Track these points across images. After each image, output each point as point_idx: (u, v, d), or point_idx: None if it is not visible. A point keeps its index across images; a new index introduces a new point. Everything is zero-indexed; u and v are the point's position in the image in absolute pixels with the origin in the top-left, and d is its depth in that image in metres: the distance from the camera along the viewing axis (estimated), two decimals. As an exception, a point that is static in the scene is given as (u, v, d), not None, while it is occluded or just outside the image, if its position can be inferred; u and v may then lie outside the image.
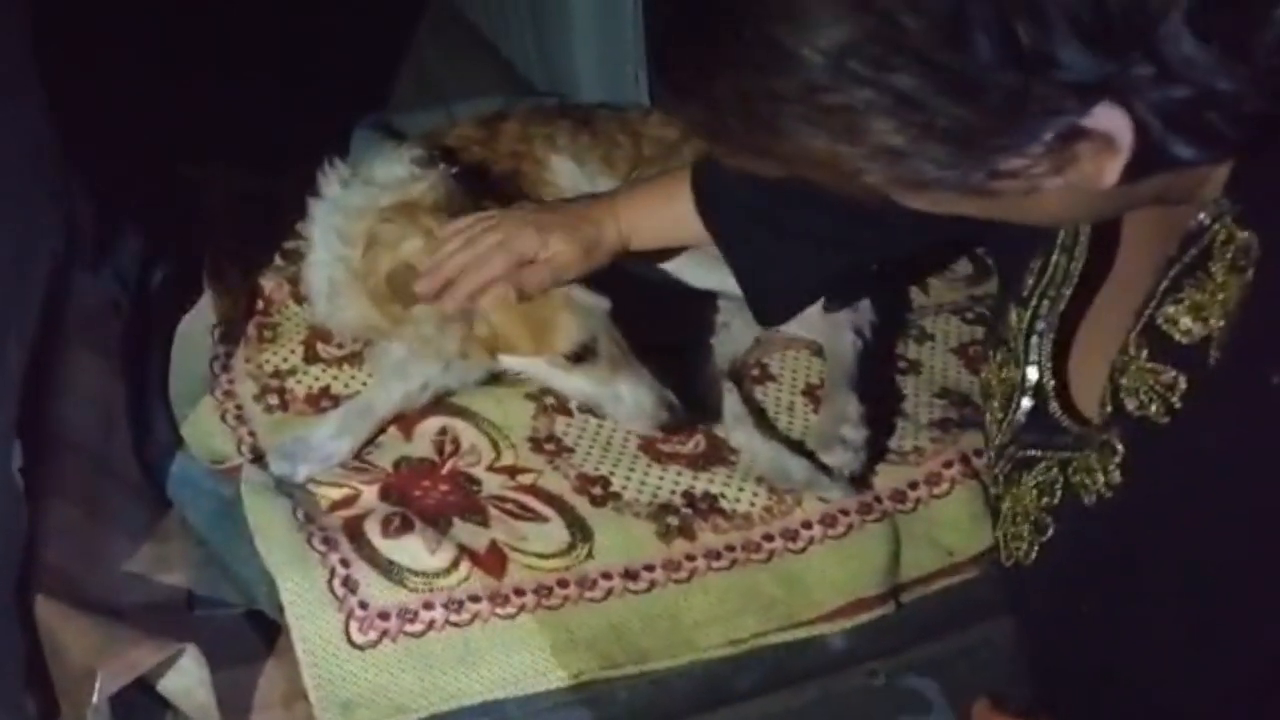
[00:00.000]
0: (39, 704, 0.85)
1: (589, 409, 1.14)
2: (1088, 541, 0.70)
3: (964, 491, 1.09)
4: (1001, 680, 1.04)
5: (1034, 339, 0.77)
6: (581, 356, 1.07)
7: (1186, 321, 0.60)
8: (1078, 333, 0.75)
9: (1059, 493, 0.71)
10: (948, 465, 1.10)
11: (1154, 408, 0.62)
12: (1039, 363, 0.76)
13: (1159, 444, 0.62)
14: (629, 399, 1.07)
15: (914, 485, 1.10)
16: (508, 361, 1.11)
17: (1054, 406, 0.74)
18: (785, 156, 0.55)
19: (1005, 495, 0.79)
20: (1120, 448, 0.65)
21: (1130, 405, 0.63)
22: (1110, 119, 0.50)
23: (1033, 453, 0.75)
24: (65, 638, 0.83)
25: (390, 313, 1.09)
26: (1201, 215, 0.61)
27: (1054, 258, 0.76)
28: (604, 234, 1.08)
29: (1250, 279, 0.56)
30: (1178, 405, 0.60)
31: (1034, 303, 0.77)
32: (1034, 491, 0.74)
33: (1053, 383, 0.75)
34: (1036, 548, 0.73)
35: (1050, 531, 0.72)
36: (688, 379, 1.21)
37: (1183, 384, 0.60)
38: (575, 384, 1.09)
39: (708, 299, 1.29)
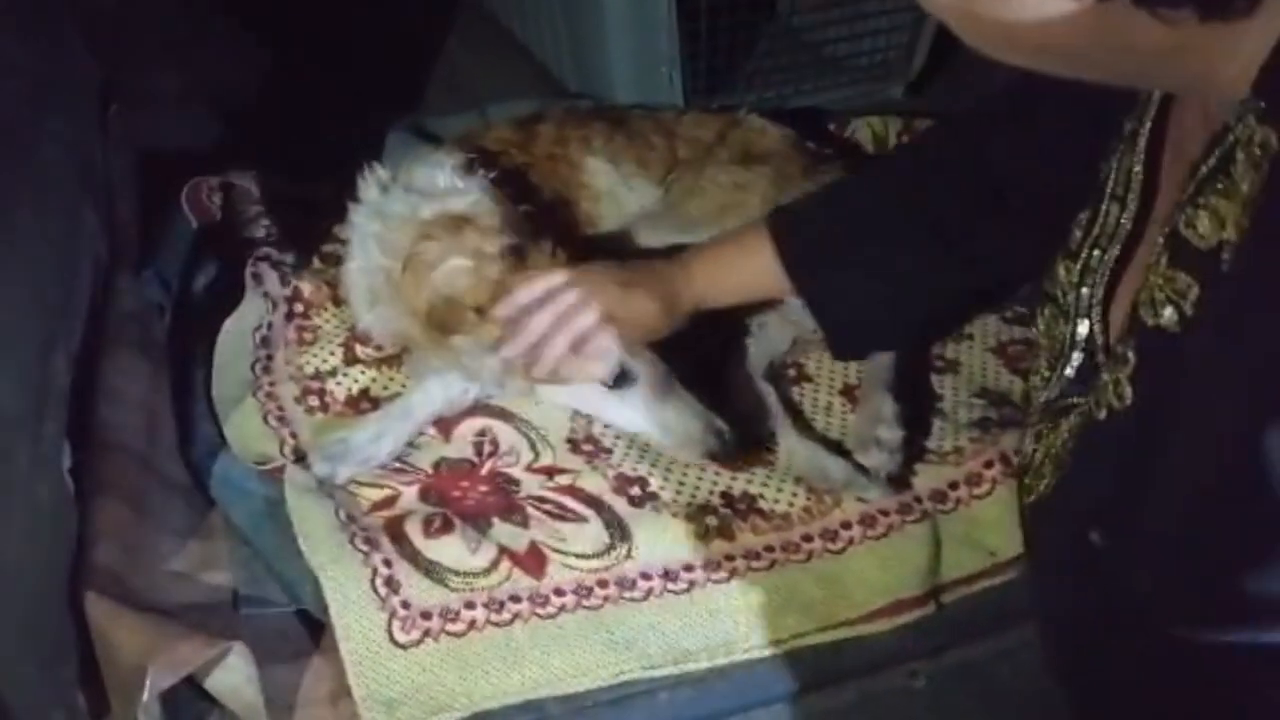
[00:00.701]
0: (90, 701, 0.87)
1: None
2: (1098, 461, 0.68)
3: (1005, 492, 1.07)
4: (1040, 681, 1.04)
5: (1084, 291, 0.76)
6: (620, 383, 1.08)
7: (1204, 225, 0.58)
8: (1121, 281, 0.75)
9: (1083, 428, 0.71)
10: (988, 465, 1.09)
11: (1167, 315, 0.60)
12: (1089, 315, 0.76)
13: (1169, 352, 0.60)
14: (677, 428, 1.08)
15: (954, 485, 1.09)
16: (548, 393, 1.13)
17: (1102, 357, 0.74)
18: None
19: (1039, 446, 0.78)
20: (1132, 358, 0.63)
21: (1146, 315, 0.62)
22: None
23: (1073, 400, 0.75)
24: (116, 635, 0.84)
25: (431, 336, 1.10)
26: (1228, 118, 0.59)
27: (1104, 207, 0.76)
28: (681, 292, 1.08)
29: (1266, 174, 0.54)
30: (1189, 312, 0.59)
31: (1084, 255, 0.76)
32: (1065, 434, 0.74)
33: (1102, 337, 0.75)
34: (1055, 483, 0.73)
35: (1069, 467, 0.72)
36: (725, 382, 1.21)
37: (1195, 291, 0.58)
38: (623, 415, 1.11)
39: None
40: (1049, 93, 0.73)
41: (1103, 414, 0.65)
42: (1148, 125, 0.72)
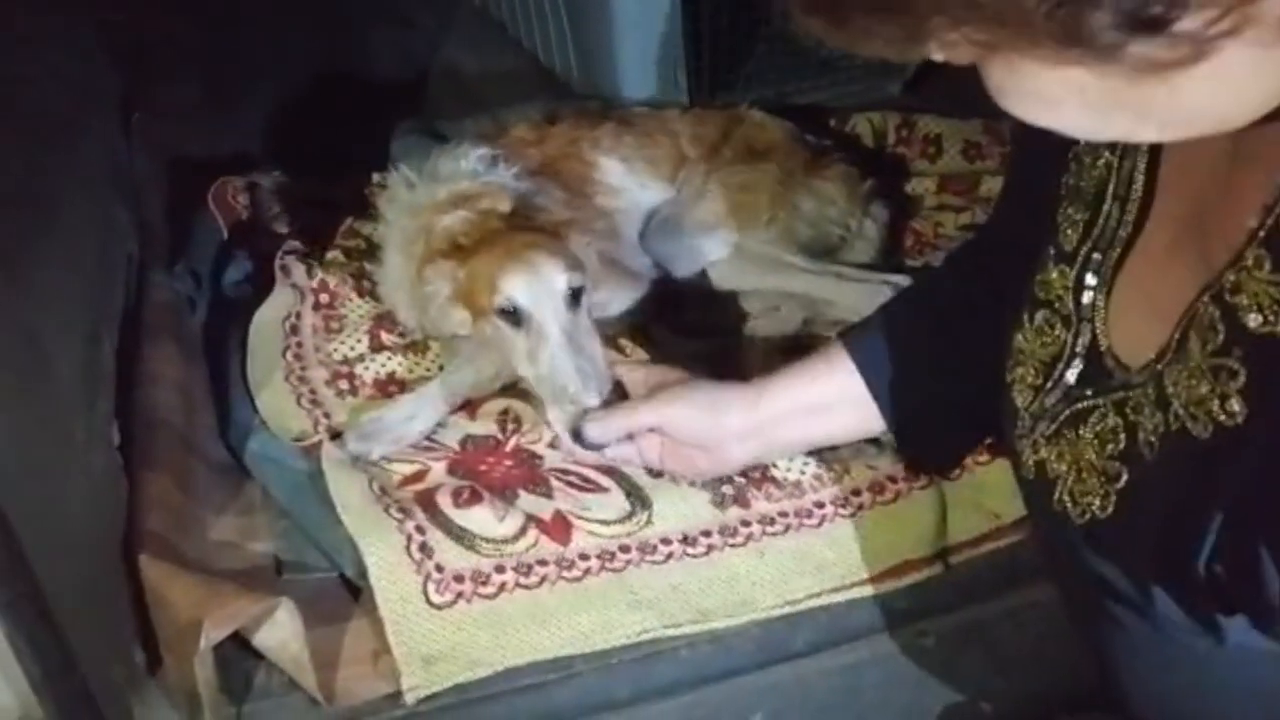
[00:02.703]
0: (147, 656, 0.92)
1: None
2: (1192, 479, 0.64)
3: (1005, 459, 1.12)
4: (1045, 639, 1.08)
5: (1085, 294, 0.74)
6: None
7: None
8: (1116, 281, 0.73)
9: (1123, 438, 0.68)
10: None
11: None
12: (1092, 319, 0.73)
13: None
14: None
15: (959, 454, 1.14)
16: None
17: (1108, 360, 0.72)
18: (924, 13, 0.47)
19: (1053, 456, 0.75)
20: (1242, 371, 0.60)
21: (1254, 322, 0.58)
22: None
23: (1085, 404, 0.72)
24: (171, 593, 0.89)
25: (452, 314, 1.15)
26: None
27: (1105, 209, 0.73)
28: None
29: None
30: None
31: (1081, 259, 0.74)
32: (1095, 442, 0.71)
33: (1106, 341, 0.72)
34: (1114, 497, 0.68)
35: (1124, 479, 0.68)
36: (737, 361, 1.27)
37: None
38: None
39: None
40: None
41: (1206, 432, 0.61)
42: None
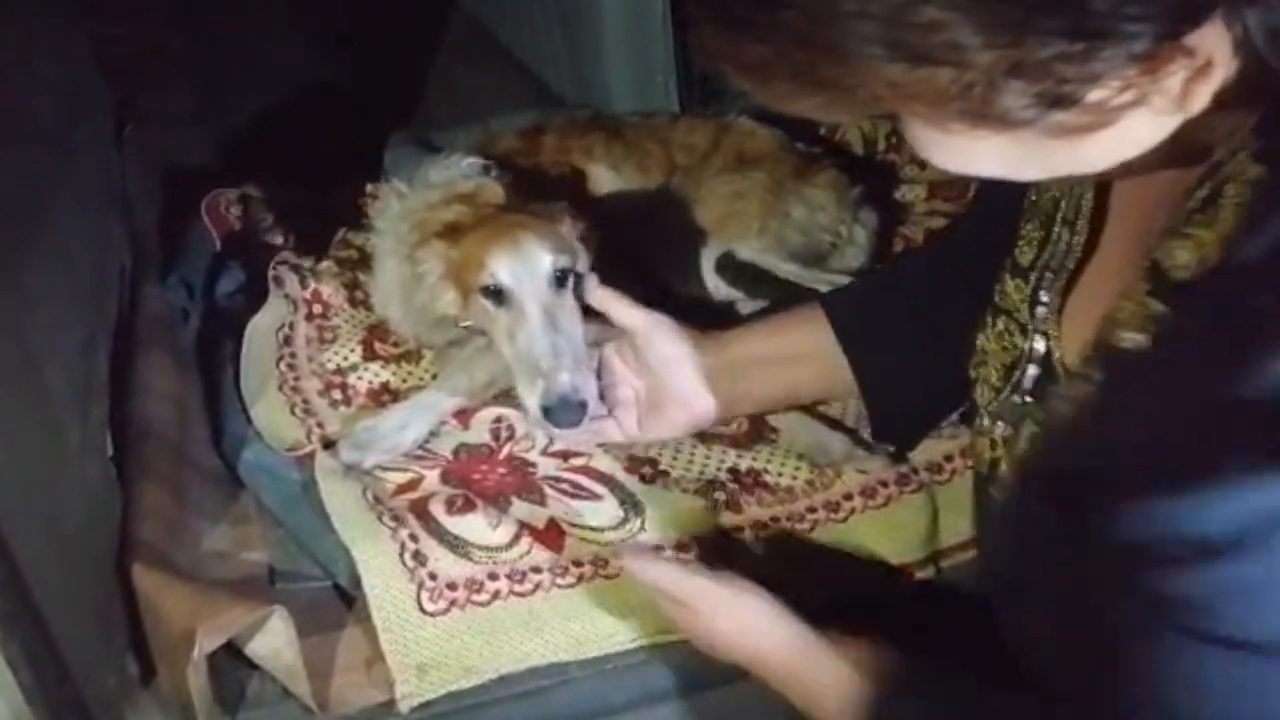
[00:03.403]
0: (140, 666, 0.92)
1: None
2: (1050, 466, 0.71)
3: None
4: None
5: (1039, 309, 0.78)
6: None
7: (1183, 255, 0.60)
8: (1069, 297, 0.77)
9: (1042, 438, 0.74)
10: (980, 439, 1.15)
11: (1141, 339, 0.62)
12: (1045, 332, 0.77)
13: (1137, 369, 0.63)
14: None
15: (949, 458, 1.14)
16: None
17: (1058, 369, 0.76)
18: (849, 87, 0.51)
19: (1002, 454, 0.80)
20: (1099, 376, 0.65)
21: (1120, 338, 0.64)
22: (1213, 35, 0.48)
23: (1031, 408, 0.77)
24: (164, 603, 0.89)
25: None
26: (1219, 154, 0.60)
27: (1056, 231, 0.77)
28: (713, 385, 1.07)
29: (1248, 206, 0.57)
30: (1158, 332, 0.61)
31: (1035, 275, 0.78)
32: (1028, 443, 0.76)
33: (1058, 351, 0.76)
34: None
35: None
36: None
37: (1169, 318, 0.61)
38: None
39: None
40: None
41: (1059, 425, 0.69)
42: None
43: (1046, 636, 0.69)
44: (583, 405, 1.04)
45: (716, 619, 0.88)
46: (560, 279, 1.09)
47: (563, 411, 1.03)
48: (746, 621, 0.87)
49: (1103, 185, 0.75)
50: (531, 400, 1.05)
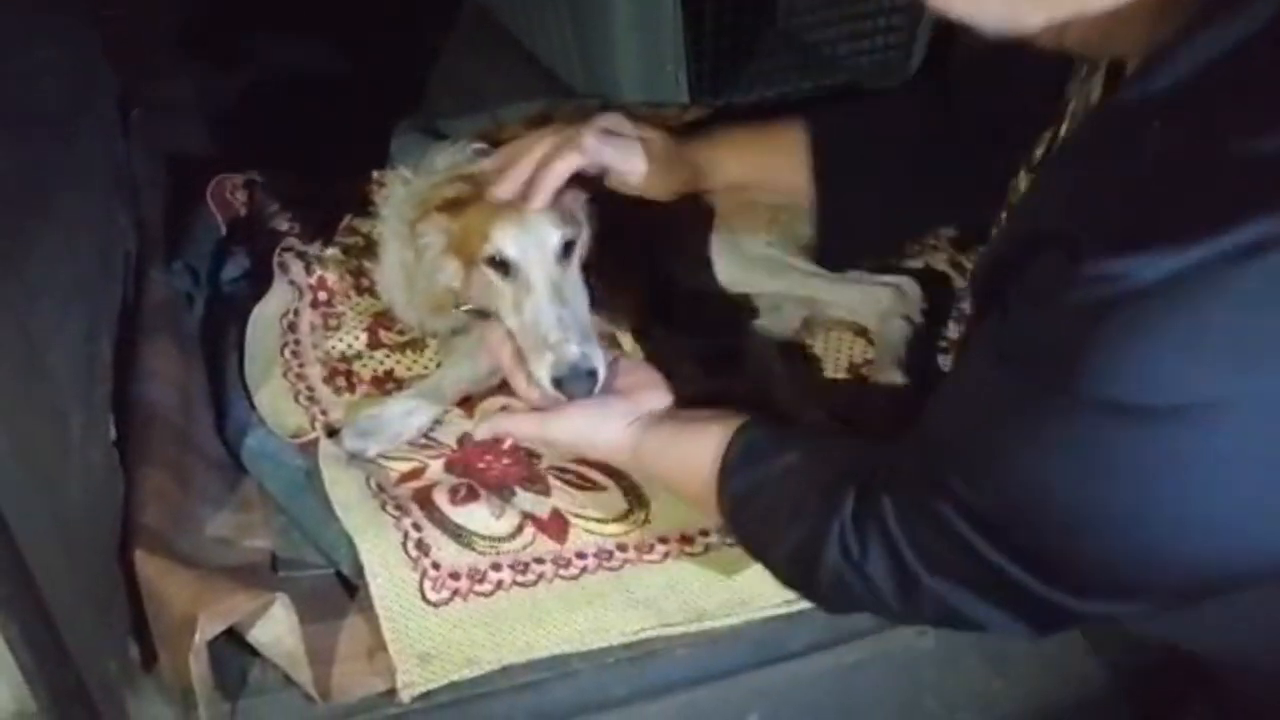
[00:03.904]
0: (141, 652, 0.91)
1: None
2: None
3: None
4: (1047, 643, 1.08)
5: None
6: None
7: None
8: None
9: None
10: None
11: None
12: None
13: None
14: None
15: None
16: None
17: None
18: None
19: None
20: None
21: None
22: None
23: None
24: (166, 588, 0.88)
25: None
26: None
27: (1064, 129, 0.81)
28: (694, 150, 1.13)
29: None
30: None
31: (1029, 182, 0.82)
32: None
33: None
34: None
35: None
36: (736, 361, 1.27)
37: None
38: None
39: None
40: None
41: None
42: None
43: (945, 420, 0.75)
44: (592, 374, 1.02)
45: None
46: (565, 251, 1.07)
47: (574, 381, 1.01)
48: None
49: (1111, 79, 0.77)
50: (542, 372, 1.03)
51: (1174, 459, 0.59)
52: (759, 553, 0.92)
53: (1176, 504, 0.60)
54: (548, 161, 1.02)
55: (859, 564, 0.76)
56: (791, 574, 0.87)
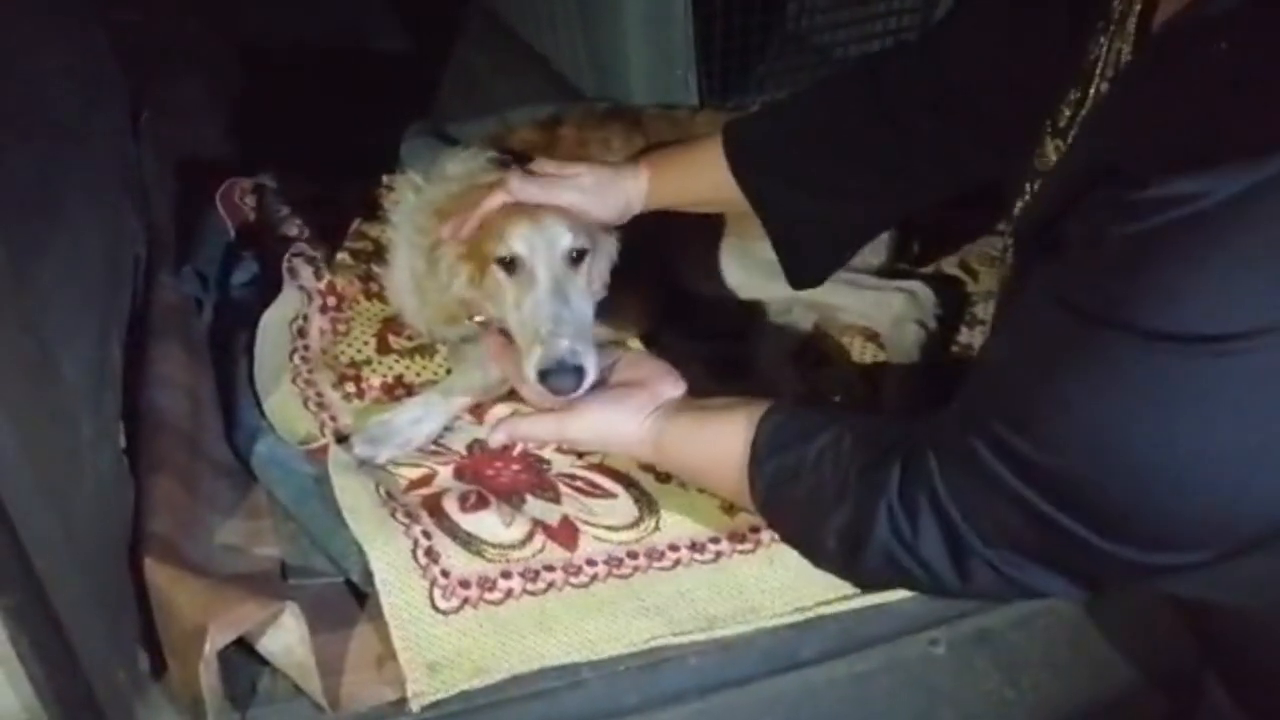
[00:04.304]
0: (151, 661, 0.91)
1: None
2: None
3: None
4: (1056, 647, 1.08)
5: None
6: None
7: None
8: None
9: None
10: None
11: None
12: None
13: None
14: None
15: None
16: None
17: None
18: None
19: None
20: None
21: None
22: None
23: None
24: (176, 597, 0.88)
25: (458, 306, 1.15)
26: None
27: (1094, 87, 0.80)
28: (622, 178, 1.14)
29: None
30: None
31: (1074, 132, 0.81)
32: None
33: None
34: None
35: None
36: (748, 365, 1.26)
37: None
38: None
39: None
40: None
41: None
42: (1137, 8, 0.76)
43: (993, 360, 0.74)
44: (579, 370, 1.01)
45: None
46: (575, 257, 1.09)
47: (559, 376, 1.01)
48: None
49: (1140, 41, 0.76)
50: (529, 365, 1.03)
51: (1248, 387, 0.57)
52: (797, 538, 0.90)
53: (1249, 435, 0.58)
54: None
55: (911, 543, 0.75)
56: (835, 557, 0.85)
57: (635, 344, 1.27)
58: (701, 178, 1.14)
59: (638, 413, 1.00)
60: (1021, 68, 0.89)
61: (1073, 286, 0.64)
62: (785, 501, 0.88)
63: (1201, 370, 0.58)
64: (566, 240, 1.07)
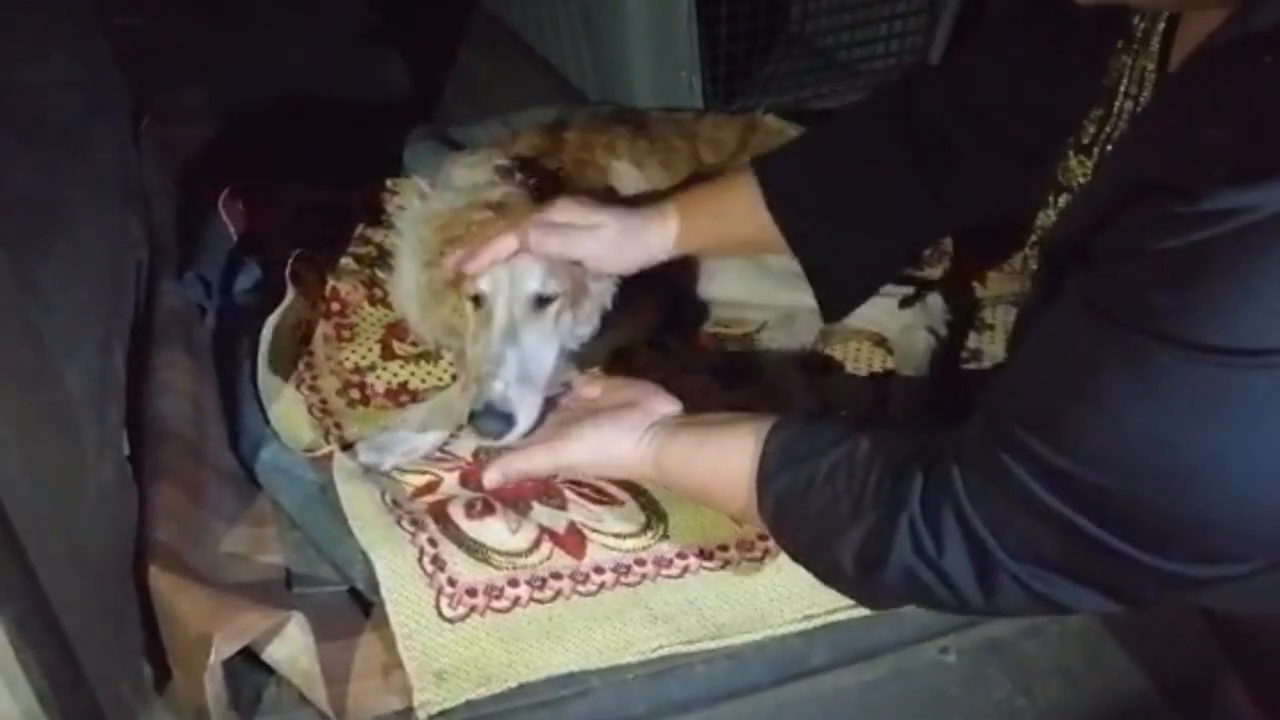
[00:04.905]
0: (155, 671, 0.90)
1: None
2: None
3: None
4: (1069, 655, 1.07)
5: None
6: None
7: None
8: None
9: None
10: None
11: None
12: None
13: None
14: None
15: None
16: None
17: None
18: None
19: None
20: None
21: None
22: None
23: None
24: (180, 606, 0.87)
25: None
26: None
27: (1118, 105, 0.80)
28: (649, 228, 1.11)
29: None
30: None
31: (1098, 150, 0.81)
32: None
33: None
34: None
35: None
36: (755, 373, 1.25)
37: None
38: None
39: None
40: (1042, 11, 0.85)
41: None
42: (1161, 26, 0.76)
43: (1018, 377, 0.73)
44: (508, 418, 1.00)
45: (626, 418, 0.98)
46: (541, 302, 1.07)
47: (486, 419, 0.99)
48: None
49: (1164, 59, 0.77)
50: (462, 404, 1.03)
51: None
52: (808, 556, 0.88)
53: None
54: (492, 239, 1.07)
55: (934, 559, 0.73)
56: (850, 575, 0.82)
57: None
58: (737, 221, 1.12)
59: (632, 431, 0.98)
60: (1045, 88, 0.89)
61: (1113, 299, 0.63)
62: (796, 518, 0.86)
63: (1249, 383, 0.57)
64: (534, 284, 1.06)
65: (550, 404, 1.08)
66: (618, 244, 1.09)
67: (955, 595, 0.74)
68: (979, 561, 0.71)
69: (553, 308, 1.07)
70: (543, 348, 1.06)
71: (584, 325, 1.12)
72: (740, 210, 1.11)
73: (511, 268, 1.05)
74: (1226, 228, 0.55)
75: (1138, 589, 0.69)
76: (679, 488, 1.01)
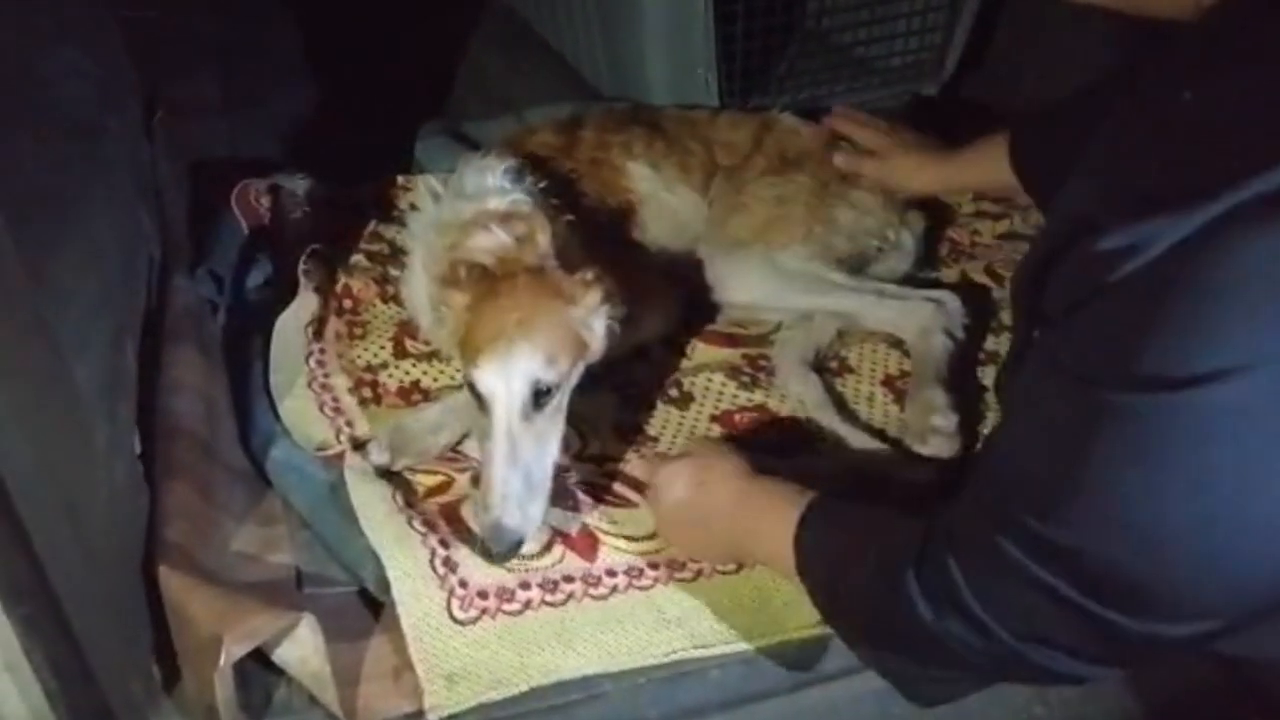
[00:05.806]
0: (164, 671, 0.90)
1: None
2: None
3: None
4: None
5: None
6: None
7: None
8: None
9: None
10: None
11: None
12: None
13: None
14: None
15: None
16: None
17: None
18: None
19: None
20: None
21: None
22: None
23: None
24: (191, 607, 0.87)
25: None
26: None
27: None
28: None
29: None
30: None
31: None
32: None
33: None
34: None
35: None
36: (773, 373, 1.24)
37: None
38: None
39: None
40: None
41: None
42: None
43: (1006, 446, 0.74)
44: (519, 543, 0.97)
45: (674, 484, 1.01)
46: (540, 396, 1.00)
47: (496, 543, 0.97)
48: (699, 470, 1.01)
49: None
50: (477, 512, 1.01)
51: (1241, 422, 0.57)
52: (854, 644, 0.93)
53: (1249, 467, 0.58)
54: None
55: (949, 646, 0.75)
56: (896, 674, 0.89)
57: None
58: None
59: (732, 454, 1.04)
60: None
61: (1074, 356, 0.63)
62: (840, 612, 0.92)
63: (1178, 419, 0.58)
64: (526, 386, 0.99)
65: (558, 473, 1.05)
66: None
67: (976, 668, 0.77)
68: (985, 643, 0.72)
69: (553, 401, 1.02)
70: (544, 447, 1.02)
71: (595, 357, 1.09)
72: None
73: (507, 365, 0.99)
74: (1136, 264, 0.55)
75: (1134, 653, 0.71)
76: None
